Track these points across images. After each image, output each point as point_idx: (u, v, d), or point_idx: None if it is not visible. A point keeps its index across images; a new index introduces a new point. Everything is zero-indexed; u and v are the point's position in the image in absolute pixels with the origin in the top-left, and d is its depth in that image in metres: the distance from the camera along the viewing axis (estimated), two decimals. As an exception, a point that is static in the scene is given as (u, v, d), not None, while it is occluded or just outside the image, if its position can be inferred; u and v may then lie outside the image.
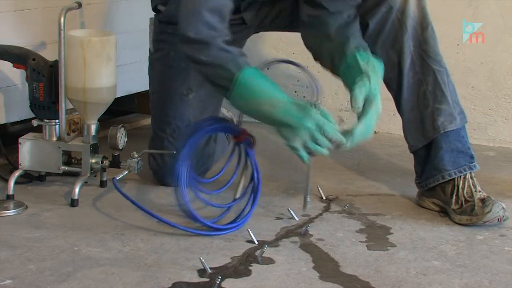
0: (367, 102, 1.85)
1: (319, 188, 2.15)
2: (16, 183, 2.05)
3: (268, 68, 2.97)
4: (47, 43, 2.26)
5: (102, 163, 2.09)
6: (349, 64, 1.93)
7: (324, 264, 1.73)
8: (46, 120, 2.10)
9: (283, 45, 2.90)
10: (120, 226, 1.90)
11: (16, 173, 2.07)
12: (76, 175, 2.10)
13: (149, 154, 2.20)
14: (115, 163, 2.09)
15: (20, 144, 2.11)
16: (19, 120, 2.30)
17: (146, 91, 2.70)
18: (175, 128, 2.16)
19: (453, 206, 2.00)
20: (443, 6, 2.62)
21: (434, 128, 2.03)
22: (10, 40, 2.15)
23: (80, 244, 1.78)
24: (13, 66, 2.11)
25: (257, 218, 1.95)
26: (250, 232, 1.84)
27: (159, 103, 2.19)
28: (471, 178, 2.02)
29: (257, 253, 1.76)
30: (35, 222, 1.91)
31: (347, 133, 1.81)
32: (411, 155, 2.13)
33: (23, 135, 2.14)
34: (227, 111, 2.56)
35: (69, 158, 2.13)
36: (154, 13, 2.18)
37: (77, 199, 2.02)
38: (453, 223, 1.99)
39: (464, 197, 1.99)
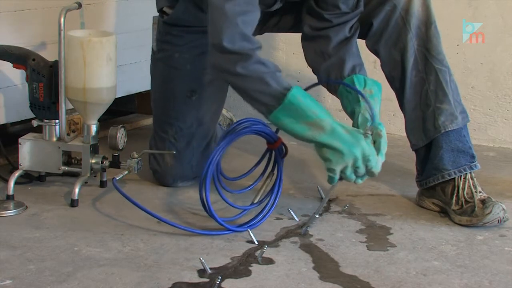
0: (374, 134, 1.84)
1: (319, 188, 2.15)
2: (16, 183, 2.05)
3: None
4: (47, 44, 2.26)
5: (102, 163, 2.09)
6: (347, 88, 1.94)
7: (324, 264, 1.73)
8: (46, 120, 2.10)
9: (283, 45, 2.90)
10: (120, 227, 1.90)
11: (16, 173, 2.07)
12: (76, 175, 2.10)
13: (150, 154, 2.20)
14: (115, 163, 2.09)
15: (20, 144, 2.11)
16: (19, 120, 2.30)
17: (146, 92, 2.71)
18: (177, 129, 2.16)
19: (453, 207, 2.00)
20: (443, 6, 2.62)
21: (435, 128, 2.04)
22: (10, 40, 2.15)
23: (80, 244, 1.78)
24: (13, 66, 2.11)
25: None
26: (250, 232, 1.84)
27: (161, 103, 2.19)
28: (472, 178, 2.02)
29: (257, 253, 1.76)
30: (35, 222, 1.91)
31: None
32: (411, 156, 2.13)
33: (23, 135, 2.14)
34: (226, 111, 2.56)
35: (69, 158, 2.13)
36: (159, 14, 2.17)
37: (77, 199, 2.02)
38: (453, 223, 1.99)
39: (464, 197, 1.99)
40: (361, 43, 2.09)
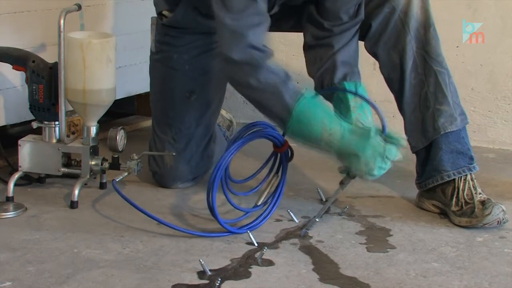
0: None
1: (319, 190, 2.15)
2: (15, 185, 2.05)
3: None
4: (47, 45, 2.26)
5: (101, 165, 2.09)
6: (339, 97, 1.95)
7: (324, 266, 1.73)
8: (45, 122, 2.10)
9: (283, 47, 2.90)
10: (119, 228, 1.90)
11: (16, 175, 2.07)
12: (75, 177, 2.10)
13: (149, 156, 2.20)
14: (115, 165, 2.09)
15: (20, 146, 2.11)
16: (18, 122, 2.30)
17: (146, 93, 2.71)
18: (176, 130, 2.16)
19: (453, 208, 2.00)
20: (442, 8, 2.62)
21: (435, 129, 2.04)
22: (9, 42, 2.15)
23: (79, 246, 1.78)
24: (13, 68, 2.11)
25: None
26: (250, 234, 1.84)
27: (160, 104, 2.19)
28: (472, 180, 2.02)
29: (257, 255, 1.76)
30: (34, 224, 1.91)
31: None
32: (411, 157, 2.13)
33: (22, 137, 2.14)
34: (226, 112, 2.56)
35: (68, 160, 2.13)
36: (158, 17, 2.16)
37: (77, 201, 2.02)
38: (452, 225, 1.99)
39: (464, 199, 1.99)
40: (359, 45, 2.09)
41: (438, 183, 2.04)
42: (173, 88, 2.15)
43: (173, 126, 2.16)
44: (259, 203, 1.95)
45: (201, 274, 1.66)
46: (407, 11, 2.02)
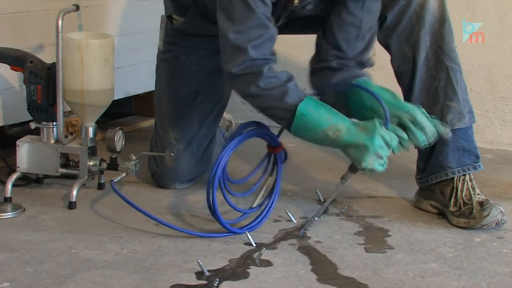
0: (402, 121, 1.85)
1: (317, 191, 2.15)
2: (14, 185, 2.05)
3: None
4: (45, 46, 2.26)
5: (100, 165, 2.09)
6: (355, 101, 1.91)
7: (322, 267, 1.73)
8: (44, 123, 2.10)
9: (281, 47, 2.90)
10: (118, 229, 1.89)
11: (14, 176, 2.07)
12: (74, 177, 2.10)
13: (150, 157, 2.20)
14: (113, 166, 2.09)
15: (18, 146, 2.10)
16: (16, 122, 2.29)
17: (144, 94, 2.71)
18: (178, 130, 2.16)
19: (451, 209, 2.00)
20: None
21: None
22: (7, 42, 2.15)
23: (78, 247, 1.78)
24: (11, 69, 2.11)
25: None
26: (248, 234, 1.84)
27: (164, 103, 2.19)
28: (470, 180, 2.02)
29: (255, 255, 1.76)
30: (33, 224, 1.91)
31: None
32: (409, 157, 2.13)
33: (20, 137, 2.14)
34: (226, 113, 2.56)
35: (67, 160, 2.13)
36: (167, 19, 2.16)
37: (75, 202, 2.02)
38: (451, 225, 1.99)
39: (462, 199, 1.99)
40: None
41: (441, 180, 2.03)
42: (179, 88, 2.15)
43: (176, 126, 2.16)
44: (254, 205, 1.95)
45: (199, 274, 1.66)
46: (423, 4, 2.01)
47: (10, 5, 2.21)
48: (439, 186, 2.05)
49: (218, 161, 1.82)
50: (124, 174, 2.06)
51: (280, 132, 1.95)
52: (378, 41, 2.09)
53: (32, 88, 2.08)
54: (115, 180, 1.97)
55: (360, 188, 2.25)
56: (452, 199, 2.00)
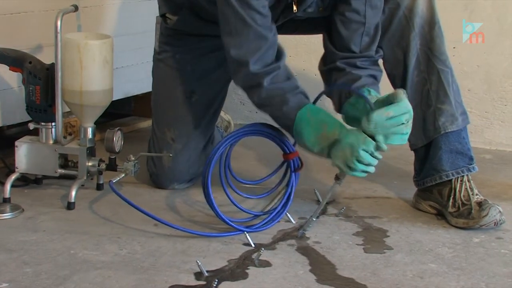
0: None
1: (316, 191, 2.15)
2: (12, 186, 2.05)
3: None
4: (44, 46, 2.26)
5: (98, 166, 2.09)
6: (351, 102, 1.90)
7: (321, 267, 1.73)
8: (42, 123, 2.10)
9: (280, 48, 2.90)
10: (116, 229, 1.89)
11: (13, 176, 2.07)
12: (72, 178, 2.10)
13: (148, 157, 2.20)
14: (112, 166, 2.09)
15: (17, 147, 2.10)
16: (15, 123, 2.29)
17: (143, 94, 2.71)
18: (175, 130, 2.16)
19: (450, 209, 2.00)
20: (439, 9, 2.61)
21: (435, 128, 2.03)
22: (6, 43, 2.15)
23: (76, 247, 1.78)
24: (10, 69, 2.11)
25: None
26: (247, 235, 1.84)
27: (160, 104, 2.19)
28: (468, 181, 2.03)
29: (254, 256, 1.76)
30: (31, 225, 1.91)
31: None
32: (408, 158, 2.13)
33: (19, 138, 2.14)
34: (224, 113, 2.56)
35: (65, 161, 2.13)
36: (162, 19, 2.16)
37: (74, 202, 2.02)
38: (449, 225, 1.99)
39: (461, 200, 2.00)
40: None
41: (436, 183, 2.04)
42: (175, 88, 2.15)
43: (172, 126, 2.16)
44: (267, 209, 1.96)
45: (198, 275, 1.66)
46: (412, 7, 2.01)
47: (9, 5, 2.21)
48: (437, 187, 2.05)
49: (217, 146, 1.86)
50: (123, 175, 2.06)
51: (295, 142, 1.94)
52: None
53: (31, 88, 2.08)
54: (114, 181, 1.97)
55: (359, 189, 2.25)
56: (451, 200, 2.01)
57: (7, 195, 2.02)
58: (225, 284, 1.63)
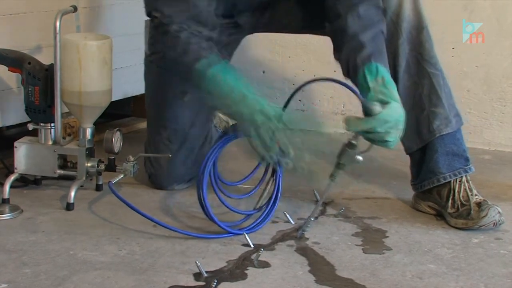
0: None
1: (315, 192, 2.15)
2: (11, 187, 2.05)
3: (264, 72, 2.99)
4: (43, 47, 2.26)
5: (97, 166, 2.09)
6: (360, 82, 1.86)
7: (320, 268, 1.73)
8: (41, 124, 2.10)
9: (279, 48, 2.90)
10: (116, 230, 1.89)
11: (12, 177, 2.07)
12: (71, 178, 2.10)
13: (145, 158, 2.20)
14: (111, 167, 2.09)
15: (16, 147, 2.10)
16: (14, 124, 2.29)
17: (142, 95, 2.70)
18: (170, 131, 2.16)
19: (449, 210, 2.00)
20: (438, 10, 2.62)
21: (430, 132, 2.04)
22: (5, 43, 2.15)
23: (75, 248, 1.78)
24: (9, 70, 2.11)
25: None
26: (246, 235, 1.84)
27: (154, 105, 2.19)
28: (467, 181, 2.03)
29: (253, 256, 1.76)
30: (30, 226, 1.91)
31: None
32: (407, 158, 2.13)
33: (18, 138, 2.14)
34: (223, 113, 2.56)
35: (64, 161, 2.13)
36: (150, 18, 2.17)
37: (73, 203, 2.02)
38: (448, 226, 1.99)
39: (460, 200, 2.00)
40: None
41: (434, 185, 2.05)
42: (167, 88, 2.15)
43: (167, 126, 2.16)
44: (257, 206, 1.95)
45: (197, 276, 1.66)
46: (399, 13, 2.01)
47: (8, 6, 2.21)
48: (436, 188, 2.05)
49: (207, 156, 1.84)
50: (122, 176, 2.06)
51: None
52: None
53: (30, 89, 2.08)
54: (113, 182, 1.97)
55: (358, 189, 2.25)
56: (450, 201, 2.01)
57: (6, 195, 2.02)
58: (224, 284, 1.63)
